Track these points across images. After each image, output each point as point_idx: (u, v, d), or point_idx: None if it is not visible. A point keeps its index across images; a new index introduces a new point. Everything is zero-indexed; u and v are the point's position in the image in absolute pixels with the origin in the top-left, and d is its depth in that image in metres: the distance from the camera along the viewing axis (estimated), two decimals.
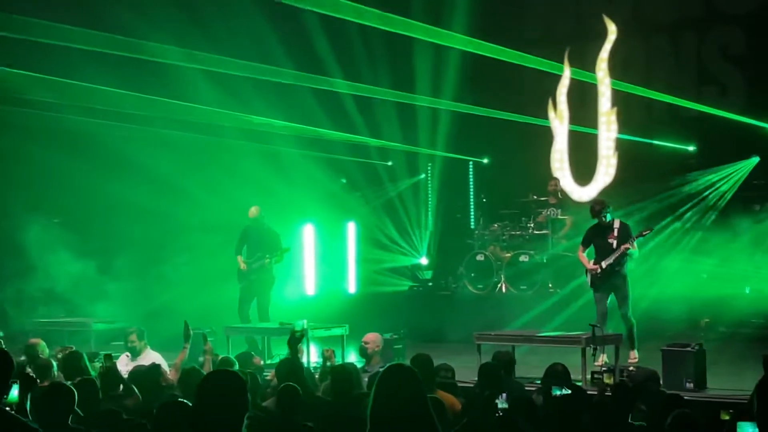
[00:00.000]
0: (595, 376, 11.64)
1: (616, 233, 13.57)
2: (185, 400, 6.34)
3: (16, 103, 17.15)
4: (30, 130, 18.09)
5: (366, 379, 9.41)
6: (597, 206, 13.85)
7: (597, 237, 13.78)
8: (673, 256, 17.35)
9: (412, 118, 19.89)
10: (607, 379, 10.04)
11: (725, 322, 16.05)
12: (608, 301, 13.59)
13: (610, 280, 13.57)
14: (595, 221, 13.80)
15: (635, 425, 7.72)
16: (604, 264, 13.54)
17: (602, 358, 12.55)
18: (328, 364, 10.87)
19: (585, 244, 13.97)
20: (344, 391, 8.73)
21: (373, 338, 11.73)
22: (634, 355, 13.14)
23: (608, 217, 13.67)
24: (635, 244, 13.51)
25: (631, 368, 11.69)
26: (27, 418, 5.51)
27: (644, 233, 13.71)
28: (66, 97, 17.06)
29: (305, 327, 10.74)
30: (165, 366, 10.85)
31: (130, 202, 18.66)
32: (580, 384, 10.69)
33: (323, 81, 18.55)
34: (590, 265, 13.70)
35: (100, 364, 10.05)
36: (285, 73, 18.09)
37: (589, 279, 13.81)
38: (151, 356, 11.98)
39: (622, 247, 13.42)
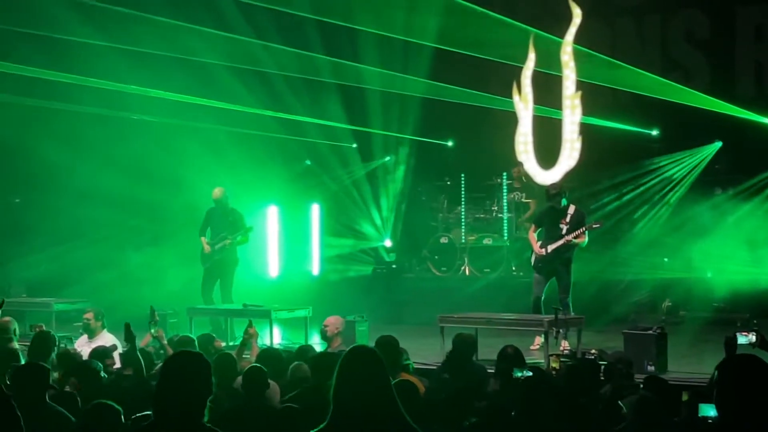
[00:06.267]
0: (561, 359, 11.68)
1: (568, 219, 13.51)
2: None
3: None
4: None
5: None
6: (552, 190, 13.81)
7: (549, 220, 13.74)
8: (635, 240, 17.44)
9: (378, 100, 19.78)
10: (553, 363, 10.00)
11: (686, 305, 16.17)
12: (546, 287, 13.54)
13: (552, 265, 13.55)
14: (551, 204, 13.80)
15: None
16: (549, 248, 13.52)
17: (564, 344, 12.50)
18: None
19: (537, 224, 13.97)
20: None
21: (332, 321, 11.78)
22: (566, 345, 12.59)
23: (563, 202, 13.64)
24: (585, 235, 13.47)
25: (593, 351, 11.73)
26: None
27: (594, 226, 13.55)
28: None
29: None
30: (120, 349, 10.82)
31: (93, 185, 18.50)
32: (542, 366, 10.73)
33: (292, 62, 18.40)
34: (537, 246, 13.70)
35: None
36: (253, 52, 17.90)
37: (533, 260, 13.80)
38: (106, 338, 11.91)
39: (567, 236, 13.38)
